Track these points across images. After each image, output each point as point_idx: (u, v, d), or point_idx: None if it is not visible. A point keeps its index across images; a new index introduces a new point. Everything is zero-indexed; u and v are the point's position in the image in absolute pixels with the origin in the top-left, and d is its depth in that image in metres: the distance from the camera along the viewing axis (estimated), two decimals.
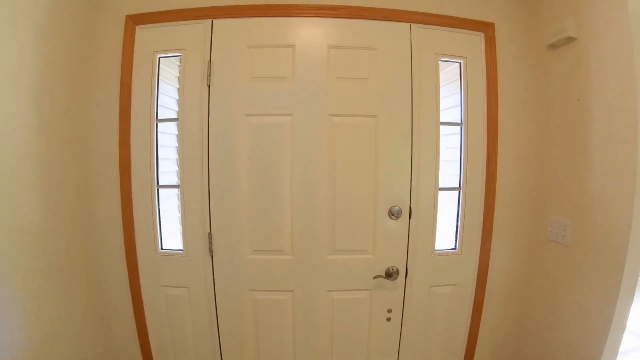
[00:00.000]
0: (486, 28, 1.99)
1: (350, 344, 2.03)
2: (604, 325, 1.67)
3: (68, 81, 1.75)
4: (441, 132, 1.97)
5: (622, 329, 1.69)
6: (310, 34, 1.86)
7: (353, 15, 1.87)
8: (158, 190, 1.95)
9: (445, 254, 2.04)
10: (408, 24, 1.91)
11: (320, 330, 2.00)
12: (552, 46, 1.94)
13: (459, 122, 1.98)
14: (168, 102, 1.97)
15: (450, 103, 2.05)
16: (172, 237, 2.02)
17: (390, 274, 1.91)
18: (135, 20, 1.90)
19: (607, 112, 1.66)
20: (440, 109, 1.96)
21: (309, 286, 1.95)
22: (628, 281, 1.59)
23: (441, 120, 1.96)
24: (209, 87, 1.85)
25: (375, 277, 1.93)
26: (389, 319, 2.01)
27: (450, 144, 2.04)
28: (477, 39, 1.99)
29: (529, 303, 2.14)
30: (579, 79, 1.80)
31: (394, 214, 1.90)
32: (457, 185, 2.02)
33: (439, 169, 1.95)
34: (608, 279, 1.64)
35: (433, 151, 1.93)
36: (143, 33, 1.91)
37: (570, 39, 1.83)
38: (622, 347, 3.01)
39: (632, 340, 3.27)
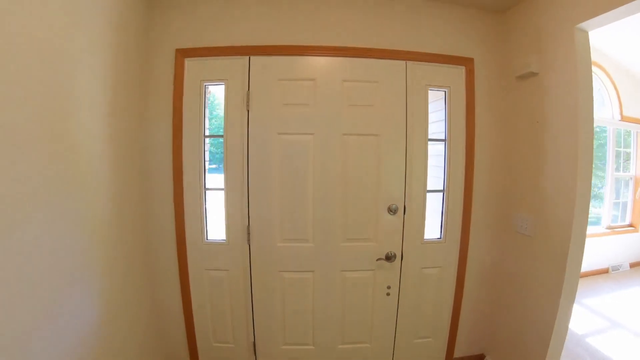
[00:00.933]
0: (467, 62, 2.58)
1: (358, 313, 2.64)
2: (556, 296, 2.25)
3: (130, 105, 2.26)
4: (429, 142, 2.57)
5: (572, 299, 2.28)
6: (328, 70, 2.45)
7: (361, 54, 2.46)
8: (205, 192, 2.50)
9: (432, 242, 2.66)
10: (404, 62, 2.49)
11: (334, 302, 2.61)
12: (520, 77, 2.54)
13: (443, 138, 2.57)
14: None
15: (436, 117, 2.65)
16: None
17: (389, 257, 2.52)
18: (183, 54, 2.45)
19: (557, 133, 2.26)
20: (429, 121, 2.56)
21: (326, 267, 2.57)
22: (572, 261, 2.20)
23: (429, 134, 2.57)
24: (248, 111, 2.42)
25: (377, 260, 2.55)
26: (388, 294, 2.62)
27: (437, 152, 2.64)
28: (459, 72, 2.58)
29: (500, 280, 2.77)
30: (539, 105, 2.40)
31: (392, 211, 2.50)
32: (442, 188, 2.63)
33: (427, 176, 2.56)
34: (558, 260, 2.24)
35: (422, 162, 2.54)
36: (191, 64, 2.47)
37: (533, 73, 2.42)
38: (594, 328, 3.64)
39: (603, 322, 3.89)
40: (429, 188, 2.59)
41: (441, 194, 2.64)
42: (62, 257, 1.60)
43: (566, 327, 2.34)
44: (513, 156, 2.63)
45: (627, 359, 3.18)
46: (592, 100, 2.18)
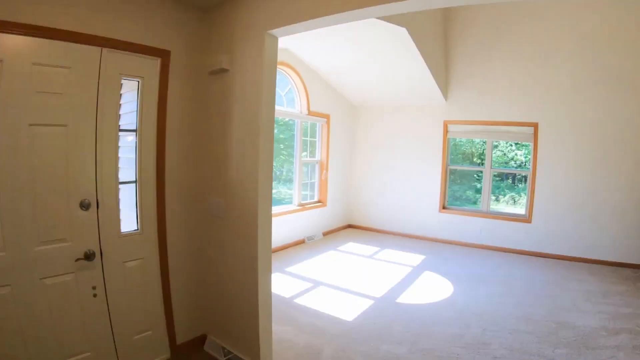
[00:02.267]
0: (163, 54, 3.07)
1: (69, 321, 2.57)
2: (253, 261, 2.89)
3: None
4: (121, 133, 2.81)
5: (268, 266, 2.97)
6: (17, 50, 2.22)
7: (55, 37, 2.35)
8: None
9: (130, 234, 3.02)
10: (100, 48, 2.69)
11: (42, 314, 2.42)
12: (212, 73, 3.22)
13: (135, 128, 2.95)
14: None
15: (129, 109, 2.92)
16: None
17: (88, 256, 2.72)
18: None
19: (242, 123, 2.95)
20: (121, 112, 2.81)
21: (24, 277, 2.35)
22: (262, 232, 2.88)
23: (121, 125, 2.84)
24: None
25: (77, 260, 2.67)
26: (95, 295, 2.79)
27: (128, 143, 2.96)
28: (155, 63, 3.04)
29: (204, 261, 3.39)
30: (228, 99, 3.06)
31: (84, 206, 2.70)
32: (134, 179, 3.01)
33: (118, 167, 2.89)
34: (251, 233, 2.89)
35: (113, 153, 2.82)
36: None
37: (223, 70, 3.07)
38: (299, 290, 4.38)
39: (306, 284, 4.72)
40: (121, 179, 2.93)
41: (134, 185, 3.03)
42: None
43: (269, 291, 3.04)
44: (205, 146, 3.31)
45: (328, 306, 4.44)
46: (274, 95, 3.05)
